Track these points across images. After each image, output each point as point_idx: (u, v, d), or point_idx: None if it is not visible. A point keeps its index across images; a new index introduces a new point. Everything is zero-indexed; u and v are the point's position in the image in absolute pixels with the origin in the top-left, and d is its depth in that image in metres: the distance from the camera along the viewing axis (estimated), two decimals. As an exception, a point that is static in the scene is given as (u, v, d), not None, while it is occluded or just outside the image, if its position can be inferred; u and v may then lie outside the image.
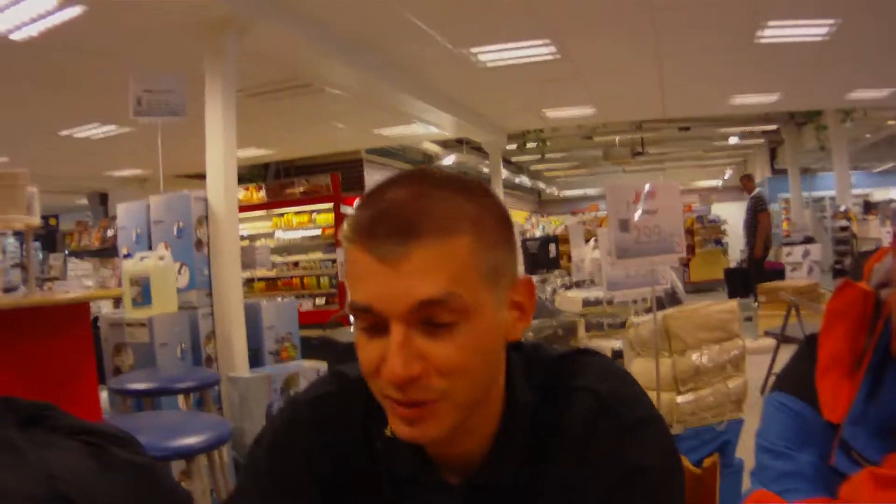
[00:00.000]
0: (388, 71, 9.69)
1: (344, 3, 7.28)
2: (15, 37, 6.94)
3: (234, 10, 6.66)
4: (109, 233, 8.94)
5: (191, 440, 3.29)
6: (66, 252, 10.09)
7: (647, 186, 5.07)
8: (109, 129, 11.57)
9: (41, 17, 6.59)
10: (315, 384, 1.40)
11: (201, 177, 6.86)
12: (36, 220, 4.81)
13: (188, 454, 3.35)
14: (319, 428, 1.30)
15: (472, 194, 1.15)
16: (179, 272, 5.93)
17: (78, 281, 4.98)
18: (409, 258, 1.07)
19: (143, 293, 5.50)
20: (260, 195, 16.15)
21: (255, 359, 6.36)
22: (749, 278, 13.04)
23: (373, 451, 1.29)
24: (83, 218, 14.14)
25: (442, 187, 1.13)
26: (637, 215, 4.99)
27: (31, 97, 9.42)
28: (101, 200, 16.48)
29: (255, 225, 16.28)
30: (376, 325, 1.10)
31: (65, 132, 11.55)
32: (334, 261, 14.36)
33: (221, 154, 6.58)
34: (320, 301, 15.09)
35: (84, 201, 17.96)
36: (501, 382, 1.24)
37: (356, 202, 1.21)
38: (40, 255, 10.85)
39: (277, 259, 15.64)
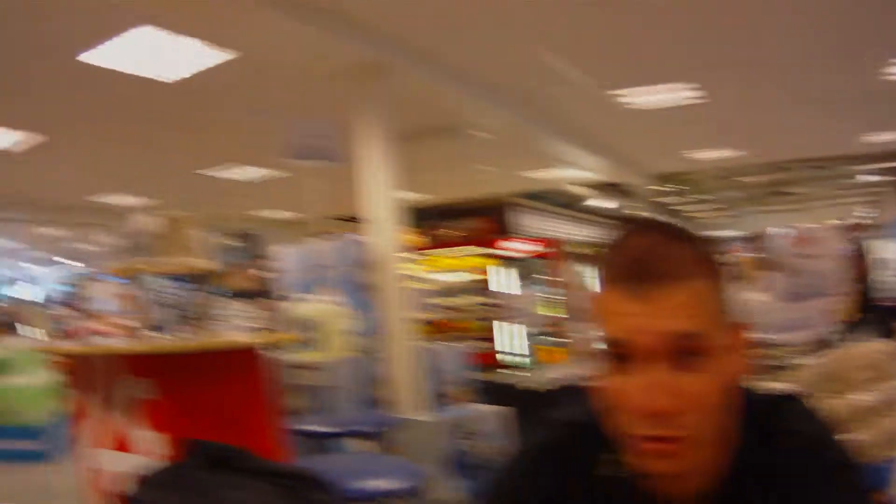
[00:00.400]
0: (534, 114, 9.70)
1: (489, 49, 7.28)
2: (167, 78, 7.07)
3: (382, 58, 6.74)
4: (262, 274, 9.03)
5: (382, 483, 3.34)
6: (218, 293, 10.17)
7: (806, 230, 4.96)
8: (256, 172, 11.82)
9: (193, 59, 6.69)
10: (534, 432, 1.45)
11: (350, 219, 6.86)
12: (199, 263, 4.82)
13: (379, 496, 3.35)
14: (544, 476, 1.36)
15: (704, 244, 1.25)
16: (349, 316, 5.94)
17: (233, 322, 4.97)
18: (663, 297, 1.16)
19: (315, 337, 5.51)
20: (413, 238, 16.16)
21: (432, 401, 6.31)
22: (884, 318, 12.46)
23: (593, 493, 1.32)
24: (229, 258, 14.35)
25: (679, 237, 1.23)
26: (801, 261, 4.89)
27: (179, 137, 9.61)
28: (251, 241, 16.74)
29: (409, 267, 16.26)
30: (627, 358, 1.17)
31: (210, 173, 11.82)
32: (486, 304, 14.29)
33: (382, 198, 6.65)
34: (474, 344, 14.97)
35: (230, 242, 18.21)
36: (727, 424, 1.26)
37: (601, 249, 1.28)
38: (189, 296, 10.93)
39: (431, 302, 15.59)
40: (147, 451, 4.29)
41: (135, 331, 4.83)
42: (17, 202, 13.73)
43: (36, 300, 19.85)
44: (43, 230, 17.30)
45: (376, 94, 6.83)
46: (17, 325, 14.70)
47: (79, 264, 20.57)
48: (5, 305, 16.71)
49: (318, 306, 5.67)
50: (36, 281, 24.97)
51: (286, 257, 6.58)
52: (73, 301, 13.90)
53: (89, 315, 6.02)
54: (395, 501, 3.50)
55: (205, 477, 2.77)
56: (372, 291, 6.25)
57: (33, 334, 13.85)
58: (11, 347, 9.95)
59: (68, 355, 5.13)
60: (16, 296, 19.81)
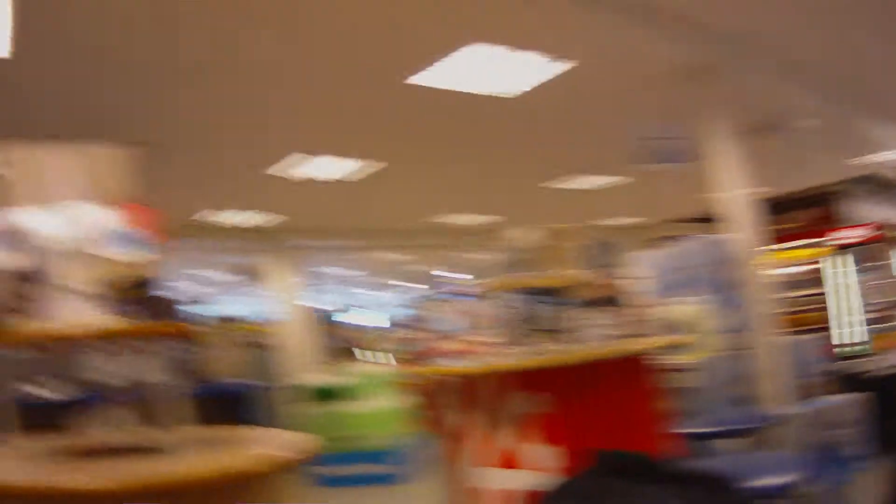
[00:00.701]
0: (857, 100, 9.29)
1: (813, 39, 7.02)
2: (506, 94, 7.16)
3: (714, 56, 6.62)
4: (616, 281, 9.01)
5: (776, 479, 3.41)
6: (572, 303, 10.10)
7: None
8: (599, 180, 11.74)
9: (531, 73, 6.73)
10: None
11: (697, 220, 6.71)
12: (575, 274, 4.80)
13: (776, 493, 3.37)
14: None
15: None
16: (715, 315, 5.83)
17: (591, 331, 4.96)
18: None
19: (685, 338, 5.43)
20: (764, 233, 15.77)
21: (795, 394, 6.19)
22: None
23: None
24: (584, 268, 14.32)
25: None
26: None
27: (520, 151, 9.69)
28: (602, 249, 16.61)
29: (762, 262, 15.88)
30: None
31: (553, 185, 11.83)
32: (821, 293, 13.82)
33: (735, 196, 6.67)
34: (816, 335, 14.52)
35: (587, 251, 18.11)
36: None
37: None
38: (545, 308, 10.93)
39: (775, 296, 15.19)
40: (537, 465, 4.33)
41: (497, 347, 4.84)
42: (355, 230, 14.29)
43: (377, 325, 20.51)
44: (381, 255, 17.90)
45: (713, 93, 6.78)
46: (358, 351, 15.18)
47: (421, 286, 21.13)
48: (347, 332, 17.29)
49: (685, 308, 5.58)
50: (376, 306, 25.84)
51: (645, 262, 6.53)
52: (418, 323, 14.27)
53: (439, 335, 6.10)
54: (788, 496, 3.45)
55: (614, 486, 2.70)
56: (735, 289, 6.18)
57: (376, 359, 14.29)
58: (357, 373, 10.27)
59: (441, 376, 5.20)
60: (356, 322, 20.54)
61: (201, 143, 8.26)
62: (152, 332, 3.11)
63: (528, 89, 7.02)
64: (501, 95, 7.17)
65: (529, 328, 4.94)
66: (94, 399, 5.73)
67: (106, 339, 4.80)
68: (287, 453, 2.69)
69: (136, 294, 3.07)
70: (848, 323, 13.03)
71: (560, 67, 6.63)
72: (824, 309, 13.57)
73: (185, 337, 3.24)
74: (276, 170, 9.46)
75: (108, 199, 3.67)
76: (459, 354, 5.47)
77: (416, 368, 6.01)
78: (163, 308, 3.11)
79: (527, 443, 4.42)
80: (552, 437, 4.34)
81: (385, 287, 24.94)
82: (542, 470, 4.24)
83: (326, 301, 20.78)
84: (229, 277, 17.93)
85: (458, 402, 4.89)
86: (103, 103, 6.74)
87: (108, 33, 5.51)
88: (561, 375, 4.41)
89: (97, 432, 3.56)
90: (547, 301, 4.95)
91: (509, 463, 4.49)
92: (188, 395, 2.97)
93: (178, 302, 3.40)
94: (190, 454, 2.78)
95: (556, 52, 6.36)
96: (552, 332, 4.84)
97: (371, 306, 25.61)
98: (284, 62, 6.31)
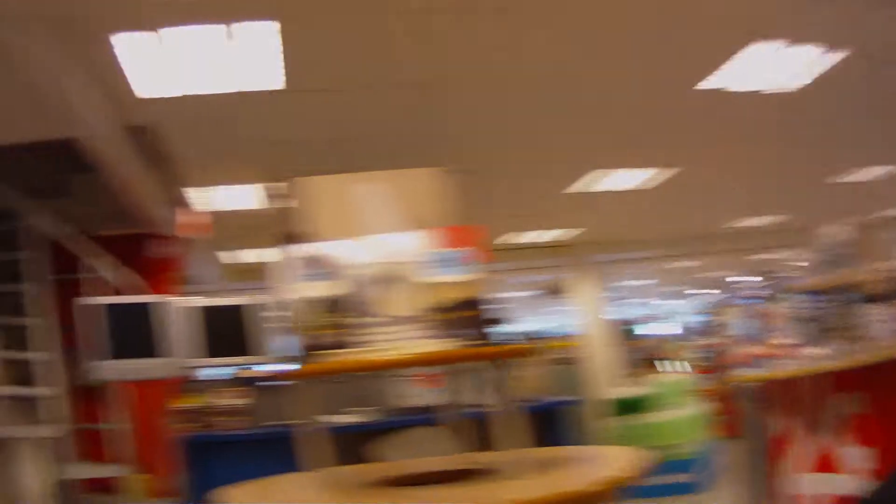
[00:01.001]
0: None
1: None
2: (788, 88, 7.15)
3: None
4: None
5: None
6: (862, 299, 9.59)
7: None
8: (881, 170, 11.48)
9: (808, 66, 6.70)
10: None
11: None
12: (886, 269, 4.76)
13: None
14: None
15: None
16: None
17: (877, 327, 4.81)
18: None
19: None
20: None
21: None
22: None
23: None
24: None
25: None
26: None
27: (803, 147, 9.54)
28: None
29: None
30: None
31: (837, 178, 11.57)
32: None
33: None
34: None
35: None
36: None
37: None
38: (831, 307, 10.47)
39: None
40: (855, 468, 4.32)
41: (799, 349, 4.84)
42: (650, 240, 14.44)
43: (674, 334, 20.27)
44: (676, 263, 17.83)
45: None
46: (658, 361, 15.15)
47: (715, 292, 20.72)
48: (646, 342, 17.21)
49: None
50: (671, 315, 25.49)
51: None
52: (714, 329, 14.10)
53: (738, 340, 6.12)
54: None
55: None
56: None
57: (675, 368, 14.27)
58: (658, 383, 10.35)
59: (751, 382, 5.20)
60: (654, 332, 20.39)
61: (505, 170, 8.70)
62: (478, 354, 3.16)
63: (808, 82, 7.00)
64: (783, 91, 7.19)
65: (828, 327, 4.91)
66: (418, 422, 6.03)
67: (430, 364, 5.00)
68: (623, 472, 2.66)
69: (460, 316, 3.16)
70: None
71: (836, 57, 6.57)
72: None
73: (506, 356, 3.30)
74: (575, 188, 9.78)
75: (426, 223, 3.69)
76: (761, 359, 5.45)
77: (722, 375, 5.97)
78: (485, 328, 3.18)
79: (844, 445, 4.41)
80: (868, 439, 4.30)
81: (680, 295, 24.60)
82: (861, 472, 4.22)
83: (625, 312, 20.75)
84: (534, 294, 18.23)
85: (770, 408, 4.89)
86: (413, 132, 7.25)
87: (424, 64, 5.96)
88: (871, 373, 4.36)
89: (426, 458, 3.74)
90: (842, 299, 4.91)
91: (827, 467, 4.49)
92: (512, 415, 3.03)
93: (495, 322, 3.44)
94: (527, 476, 2.80)
95: (831, 41, 6.32)
96: (849, 330, 4.79)
97: (667, 315, 25.30)
98: (583, 84, 6.59)
